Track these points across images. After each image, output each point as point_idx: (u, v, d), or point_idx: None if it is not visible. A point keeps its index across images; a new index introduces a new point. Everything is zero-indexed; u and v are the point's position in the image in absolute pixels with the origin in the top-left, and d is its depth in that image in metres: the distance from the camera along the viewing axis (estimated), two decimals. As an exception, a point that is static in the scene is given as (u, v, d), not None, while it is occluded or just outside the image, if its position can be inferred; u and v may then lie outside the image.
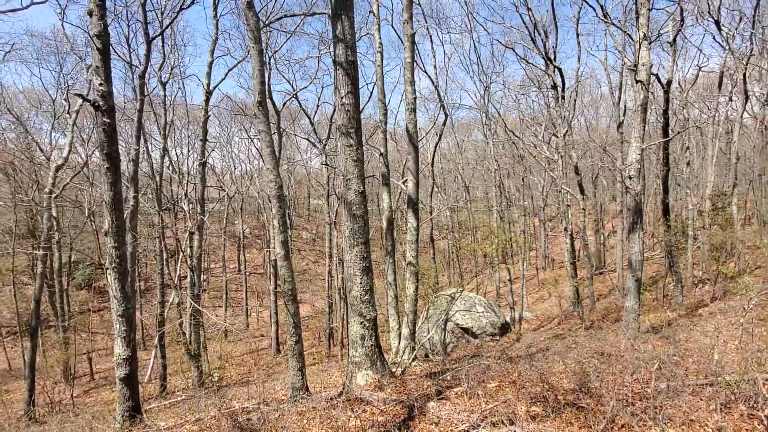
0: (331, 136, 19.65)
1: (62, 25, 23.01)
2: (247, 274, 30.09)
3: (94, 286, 25.54)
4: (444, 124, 19.96)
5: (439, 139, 20.91)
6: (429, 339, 12.92)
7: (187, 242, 16.45)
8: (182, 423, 6.62)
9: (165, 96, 13.91)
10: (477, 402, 4.70)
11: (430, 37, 20.07)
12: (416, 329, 10.59)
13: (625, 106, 18.72)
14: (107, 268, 6.75)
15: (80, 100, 11.01)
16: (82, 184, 17.55)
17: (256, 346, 22.89)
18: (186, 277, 18.03)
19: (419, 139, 15.04)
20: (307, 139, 20.77)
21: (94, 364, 19.10)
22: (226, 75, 15.05)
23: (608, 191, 37.93)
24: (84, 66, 12.43)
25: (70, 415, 12.29)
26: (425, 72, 19.13)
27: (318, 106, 22.54)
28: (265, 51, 13.87)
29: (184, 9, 10.34)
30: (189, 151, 23.89)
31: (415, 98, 9.49)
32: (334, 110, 20.44)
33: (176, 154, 22.71)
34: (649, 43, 9.04)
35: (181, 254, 16.02)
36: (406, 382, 6.35)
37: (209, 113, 13.28)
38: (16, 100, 21.47)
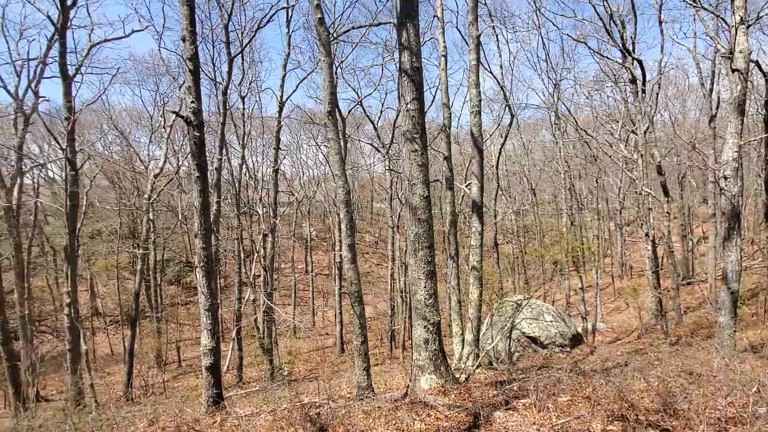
0: (394, 141, 19.94)
1: (159, 49, 26.08)
2: (314, 275, 31.45)
3: (182, 282, 28.34)
4: (510, 125, 19.33)
5: (505, 140, 20.31)
6: (494, 347, 12.59)
7: (261, 244, 17.62)
8: (259, 412, 7.12)
9: (244, 109, 15.15)
10: (547, 415, 4.53)
11: (496, 36, 19.61)
12: (480, 335, 10.38)
13: (718, 98, 16.80)
14: (196, 267, 7.51)
15: (173, 116, 12.43)
16: (174, 190, 19.66)
17: (322, 343, 23.80)
18: (259, 276, 19.33)
19: (483, 141, 14.74)
20: (371, 145, 21.27)
21: (182, 353, 21.15)
22: (297, 87, 16.08)
23: (697, 192, 34.08)
24: (177, 85, 14.01)
25: (162, 398, 13.74)
26: (490, 72, 18.70)
27: (381, 111, 23.05)
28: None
29: (261, 28, 11.21)
30: (263, 158, 25.68)
31: (480, 101, 9.37)
32: (398, 115, 20.73)
33: (252, 161, 24.57)
34: (747, 27, 8.08)
35: (256, 255, 17.21)
36: (470, 389, 6.28)
37: (282, 123, 14.18)
38: (121, 118, 24.63)
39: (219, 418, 7.10)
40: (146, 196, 12.97)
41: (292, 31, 17.07)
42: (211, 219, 11.04)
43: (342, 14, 19.59)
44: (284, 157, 27.57)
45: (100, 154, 21.57)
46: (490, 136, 25.07)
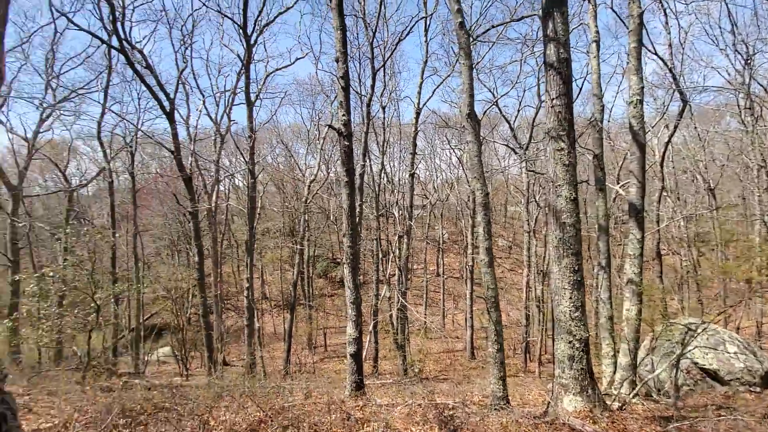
0: (532, 140, 18.78)
1: (316, 72, 29.85)
2: (445, 277, 31.60)
3: (329, 276, 31.80)
4: (680, 113, 16.17)
5: (673, 132, 17.02)
6: (656, 376, 10.77)
7: (397, 244, 18.55)
8: (395, 404, 7.55)
9: (384, 118, 16.28)
10: (732, 466, 3.73)
11: (664, 10, 16.70)
12: (637, 360, 9.01)
13: None
14: (343, 263, 8.39)
15: (326, 128, 14.16)
16: (324, 194, 22.24)
17: (452, 346, 23.76)
18: (394, 275, 20.36)
19: (644, 134, 12.70)
20: (507, 145, 20.44)
21: (327, 339, 23.67)
22: (433, 93, 16.59)
23: None
24: (329, 102, 15.92)
25: (313, 377, 15.62)
26: (654, 53, 15.97)
27: (519, 110, 21.88)
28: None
29: (401, 40, 11.88)
30: (399, 164, 27.03)
31: (641, 88, 8.17)
32: (536, 113, 19.40)
33: (390, 167, 26.14)
34: None
35: (391, 255, 18.19)
36: (625, 419, 5.56)
37: (418, 129, 14.74)
38: (285, 133, 29.03)
39: (361, 402, 7.75)
40: (303, 199, 15.03)
41: (430, 39, 17.59)
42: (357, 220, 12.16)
43: (480, 15, 19.34)
44: (420, 162, 28.52)
45: (270, 165, 25.90)
46: (652, 128, 21.44)
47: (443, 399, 8.46)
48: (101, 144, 16.70)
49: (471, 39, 11.50)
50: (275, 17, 12.99)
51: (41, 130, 16.20)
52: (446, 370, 19.57)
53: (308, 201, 15.04)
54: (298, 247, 15.70)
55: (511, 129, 19.82)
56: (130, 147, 17.33)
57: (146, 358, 16.56)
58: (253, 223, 12.37)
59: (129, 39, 11.54)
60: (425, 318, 24.38)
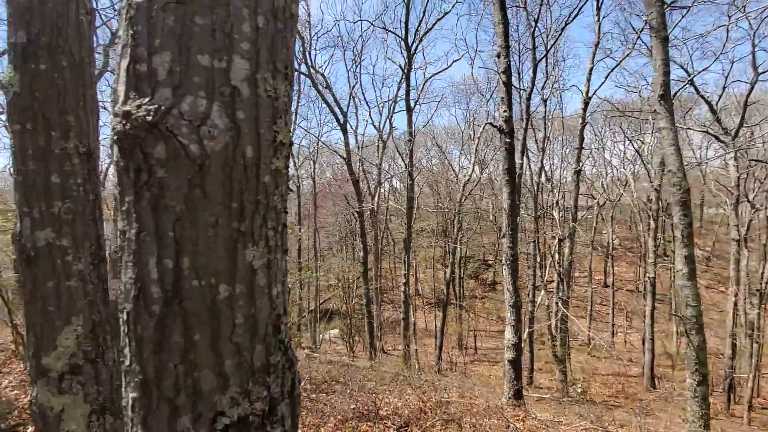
0: (744, 123, 14.92)
1: (471, 72, 29.79)
2: (615, 289, 27.55)
3: (479, 277, 31.29)
4: None
5: None
6: None
7: (556, 248, 17.06)
8: (558, 422, 6.98)
9: (546, 111, 15.14)
10: None
11: None
12: None
13: None
14: (503, 265, 8.13)
15: (480, 129, 14.02)
16: (477, 194, 22.03)
17: (624, 370, 20.60)
18: (552, 281, 18.73)
19: None
20: (707, 132, 16.57)
21: (477, 341, 23.31)
22: (606, 77, 14.62)
23: None
24: (483, 101, 15.69)
25: (463, 377, 15.59)
26: None
27: (724, 88, 17.48)
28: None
29: (568, 24, 10.87)
30: (560, 160, 24.74)
31: None
32: (751, 89, 15.28)
33: (549, 164, 24.22)
34: None
35: (550, 259, 16.81)
36: None
37: (586, 120, 13.25)
38: (439, 136, 29.77)
39: (521, 413, 7.41)
40: (457, 199, 15.19)
41: (603, 16, 15.61)
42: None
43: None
44: (587, 157, 25.53)
45: (424, 167, 27.03)
46: None
47: (616, 429, 7.46)
48: (292, 155, 20.11)
49: (664, 4, 9.75)
50: (433, 24, 13.49)
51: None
52: (616, 396, 17.10)
53: (462, 201, 15.10)
54: (452, 245, 15.90)
55: (713, 111, 15.99)
56: (313, 156, 20.58)
57: (321, 337, 19.22)
58: (411, 222, 13.11)
59: (314, 65, 13.64)
60: (589, 332, 21.71)
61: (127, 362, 0.76)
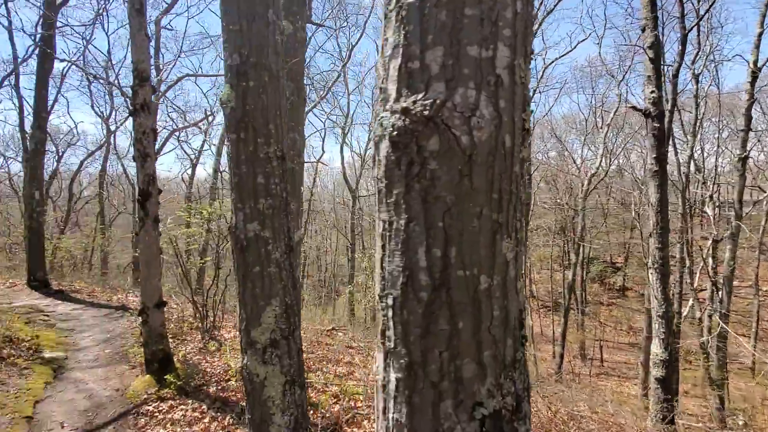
0: None
1: (599, 53, 26.74)
2: (792, 303, 22.21)
3: (605, 281, 28.02)
4: None
5: None
6: None
7: (709, 251, 14.45)
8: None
9: (697, 89, 12.75)
10: None
11: None
12: None
13: None
14: (649, 269, 7.12)
15: (611, 114, 12.38)
16: (603, 188, 19.71)
17: (807, 404, 16.50)
18: (704, 289, 15.86)
19: None
20: None
21: (603, 352, 20.97)
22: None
23: None
24: (615, 83, 13.87)
25: (589, 391, 14.12)
26: None
27: None
28: None
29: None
30: (714, 147, 20.64)
31: None
32: None
33: (701, 152, 20.27)
34: None
35: (702, 264, 14.30)
36: None
37: (755, 96, 10.86)
38: (558, 125, 27.25)
39: (674, 439, 6.43)
40: (581, 194, 13.76)
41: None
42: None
43: None
44: (756, 142, 20.88)
45: (540, 161, 25.00)
46: None
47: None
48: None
49: None
50: (555, 5, 12.35)
51: (370, 148, 21.62)
52: (797, 437, 13.82)
53: (587, 195, 13.61)
54: (577, 243, 14.49)
55: None
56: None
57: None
58: (528, 219, 12.30)
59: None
60: (756, 354, 17.84)
61: (391, 344, 0.81)
